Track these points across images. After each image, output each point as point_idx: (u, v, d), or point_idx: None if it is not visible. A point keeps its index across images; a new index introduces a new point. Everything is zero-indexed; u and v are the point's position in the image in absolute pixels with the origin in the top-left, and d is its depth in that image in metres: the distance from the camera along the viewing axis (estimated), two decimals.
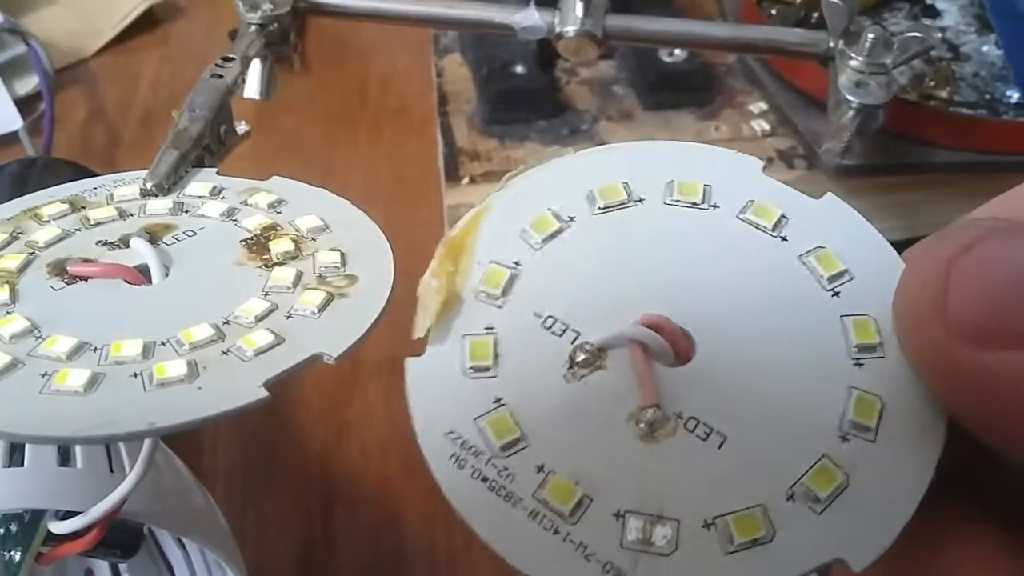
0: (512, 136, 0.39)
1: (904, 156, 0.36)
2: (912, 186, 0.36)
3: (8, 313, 0.19)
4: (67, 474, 0.22)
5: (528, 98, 0.39)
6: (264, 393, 0.18)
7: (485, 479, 0.15)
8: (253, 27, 0.31)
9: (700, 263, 0.18)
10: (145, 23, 0.51)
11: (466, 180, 0.38)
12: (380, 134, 0.45)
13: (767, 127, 0.39)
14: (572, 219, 0.18)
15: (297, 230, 0.23)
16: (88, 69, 0.49)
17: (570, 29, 0.32)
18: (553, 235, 0.18)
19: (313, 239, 0.23)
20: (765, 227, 0.18)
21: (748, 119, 0.40)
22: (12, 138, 0.42)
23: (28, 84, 0.46)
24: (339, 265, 0.21)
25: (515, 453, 0.16)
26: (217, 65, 0.28)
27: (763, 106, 0.40)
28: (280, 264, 0.22)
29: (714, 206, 0.19)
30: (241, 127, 0.28)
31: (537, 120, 0.39)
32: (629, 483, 0.15)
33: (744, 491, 0.15)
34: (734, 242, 0.18)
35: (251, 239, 0.22)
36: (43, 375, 0.18)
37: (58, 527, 0.21)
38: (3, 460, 0.22)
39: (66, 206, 0.23)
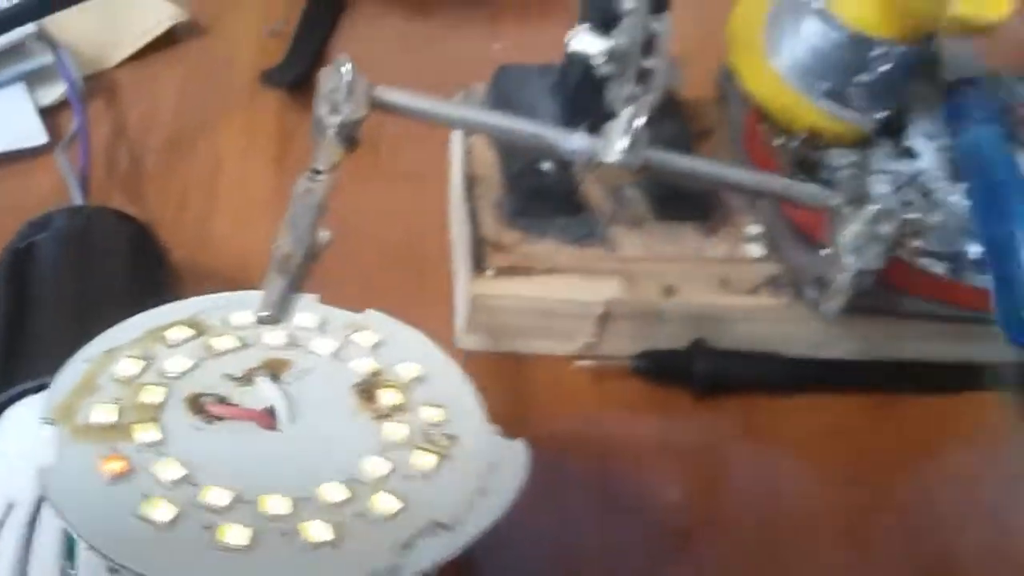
0: (534, 231, 0.42)
1: (877, 301, 0.41)
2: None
3: (162, 455, 0.22)
4: None
5: (554, 196, 0.42)
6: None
7: None
8: (332, 131, 0.33)
9: None
10: (164, 39, 0.51)
11: (490, 272, 0.40)
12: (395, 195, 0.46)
13: (760, 251, 0.42)
14: None
15: (398, 379, 0.26)
16: (108, 80, 0.49)
17: (611, 159, 0.35)
18: None
19: (413, 390, 0.25)
20: None
21: (744, 241, 0.43)
22: (33, 153, 0.43)
23: (50, 95, 0.46)
24: (441, 423, 0.25)
25: None
26: (308, 179, 0.30)
27: (758, 229, 0.44)
28: (388, 416, 0.24)
29: None
30: (324, 236, 0.30)
31: (558, 217, 0.42)
32: None
33: None
34: None
35: (361, 384, 0.25)
36: (205, 528, 0.21)
37: None
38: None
39: (191, 331, 0.25)
